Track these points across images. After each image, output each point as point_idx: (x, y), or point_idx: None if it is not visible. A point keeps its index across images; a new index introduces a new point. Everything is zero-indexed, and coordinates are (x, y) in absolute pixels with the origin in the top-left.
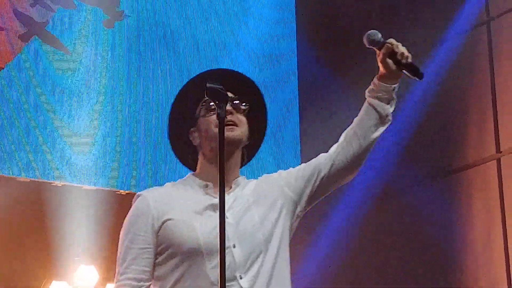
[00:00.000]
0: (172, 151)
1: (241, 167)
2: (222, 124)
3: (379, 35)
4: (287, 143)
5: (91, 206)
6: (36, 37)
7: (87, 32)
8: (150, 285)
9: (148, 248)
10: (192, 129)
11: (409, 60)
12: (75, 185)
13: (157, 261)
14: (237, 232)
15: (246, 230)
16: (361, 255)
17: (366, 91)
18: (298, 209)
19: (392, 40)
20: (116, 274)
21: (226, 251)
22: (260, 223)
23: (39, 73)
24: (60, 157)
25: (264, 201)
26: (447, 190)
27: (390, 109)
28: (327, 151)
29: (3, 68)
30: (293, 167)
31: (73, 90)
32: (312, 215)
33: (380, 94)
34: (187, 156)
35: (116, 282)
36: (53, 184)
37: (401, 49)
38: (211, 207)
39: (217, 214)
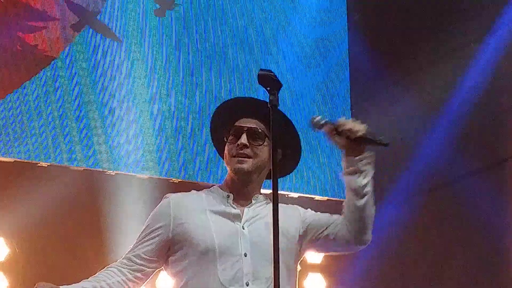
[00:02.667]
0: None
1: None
2: (274, 110)
3: (316, 119)
4: None
5: (143, 194)
6: (88, 27)
7: (139, 22)
8: (144, 269)
9: (154, 240)
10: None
11: (360, 134)
12: (128, 173)
13: (173, 258)
14: (250, 243)
15: (259, 243)
16: (411, 246)
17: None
18: (303, 245)
19: (340, 120)
20: None
21: (237, 258)
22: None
23: (91, 62)
24: (112, 146)
25: (283, 224)
26: (500, 180)
27: (362, 181)
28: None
29: (56, 58)
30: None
31: (124, 79)
32: None
33: (347, 169)
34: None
35: None
36: (106, 173)
37: (348, 125)
38: (230, 215)
39: (234, 224)
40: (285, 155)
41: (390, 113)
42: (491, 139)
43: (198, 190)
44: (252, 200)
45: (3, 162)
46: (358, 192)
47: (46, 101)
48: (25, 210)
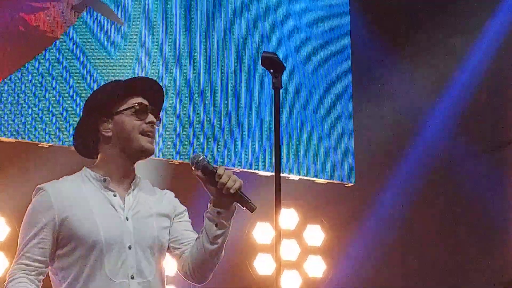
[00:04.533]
0: (76, 130)
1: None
2: (278, 94)
3: (200, 158)
4: (339, 122)
5: (144, 175)
6: (91, 8)
7: (141, 2)
8: (44, 271)
9: (44, 240)
10: (104, 120)
11: (232, 191)
12: None
13: (60, 253)
14: (133, 235)
15: (143, 235)
16: (412, 229)
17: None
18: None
19: (219, 171)
20: (14, 259)
21: (122, 251)
22: (157, 232)
23: (93, 44)
24: None
25: (164, 218)
26: (501, 162)
27: (217, 231)
28: (379, 130)
29: (58, 39)
30: (347, 140)
31: (127, 62)
32: (365, 189)
33: (209, 215)
34: (89, 142)
35: (12, 266)
36: None
37: (224, 180)
38: (112, 204)
39: (117, 213)
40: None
41: (391, 94)
42: (491, 121)
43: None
44: (132, 185)
45: (5, 142)
46: (211, 239)
47: (48, 81)
48: (26, 190)
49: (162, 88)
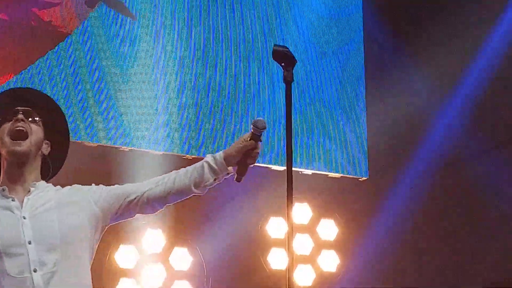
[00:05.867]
0: None
1: (49, 177)
2: (289, 87)
3: (264, 125)
4: (352, 116)
5: (157, 171)
6: (103, 3)
7: None
8: None
9: None
10: None
11: (251, 162)
12: (142, 150)
13: None
14: (33, 230)
15: (42, 229)
16: (425, 222)
17: (210, 157)
18: (101, 223)
19: (260, 146)
20: None
21: (21, 247)
22: (58, 224)
23: (105, 39)
24: (126, 122)
25: (67, 207)
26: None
27: (212, 183)
28: (392, 124)
29: (70, 34)
30: (361, 134)
31: (139, 56)
32: (379, 183)
33: (216, 168)
34: None
35: None
36: (120, 148)
37: (258, 151)
38: (8, 208)
39: (14, 214)
40: (56, 148)
41: (404, 89)
42: (504, 116)
43: None
44: (31, 188)
45: None
46: (201, 185)
47: (60, 76)
48: None
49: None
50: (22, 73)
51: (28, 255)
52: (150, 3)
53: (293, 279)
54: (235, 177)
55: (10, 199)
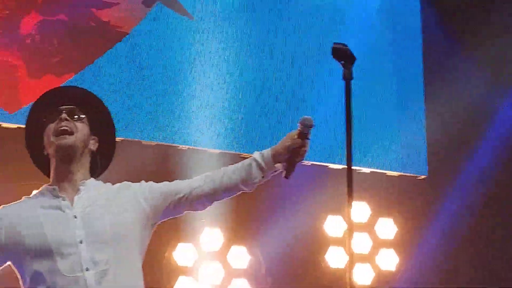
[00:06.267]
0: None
1: (98, 174)
2: (349, 85)
3: (311, 123)
4: (411, 114)
5: (214, 168)
6: (160, 3)
7: None
8: None
9: None
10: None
11: (298, 159)
12: (200, 148)
13: (13, 263)
14: (84, 229)
15: (93, 228)
16: (485, 220)
17: (258, 154)
18: (151, 221)
19: (308, 143)
20: None
21: (73, 246)
22: (109, 223)
23: (162, 39)
24: (184, 121)
25: (117, 205)
26: None
27: (261, 180)
28: (451, 121)
29: (127, 34)
30: (419, 132)
31: (197, 55)
32: (438, 181)
33: (263, 166)
34: (45, 166)
35: None
36: (178, 147)
37: (307, 148)
38: (60, 207)
39: (65, 213)
40: (103, 145)
41: (464, 84)
42: None
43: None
44: (80, 187)
45: None
46: (250, 182)
47: (118, 76)
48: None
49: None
50: (80, 73)
51: (80, 254)
52: (206, 3)
53: (352, 278)
54: (283, 174)
55: (61, 198)
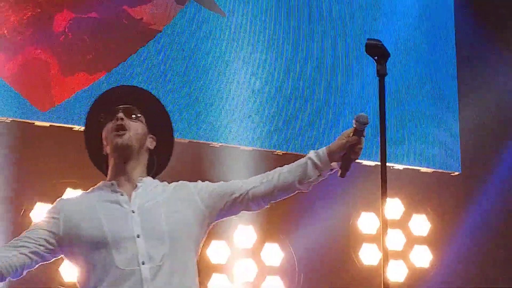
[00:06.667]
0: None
1: (155, 172)
2: (383, 81)
3: (366, 121)
4: (444, 111)
5: (248, 166)
6: (193, 0)
7: None
8: (21, 256)
9: (44, 232)
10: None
11: (354, 157)
12: (232, 145)
13: (69, 255)
14: (141, 225)
15: (150, 223)
16: None
17: (313, 153)
18: (207, 220)
19: (363, 141)
20: None
21: (130, 240)
22: (166, 220)
23: (195, 36)
24: (216, 118)
25: (174, 204)
26: None
27: (317, 178)
28: (485, 119)
29: (160, 31)
30: (453, 128)
31: (229, 52)
32: (471, 178)
33: (320, 165)
34: (102, 165)
35: None
36: (211, 144)
37: (362, 145)
38: (117, 202)
39: (123, 208)
40: (161, 143)
41: (497, 82)
42: None
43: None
44: (138, 184)
45: None
46: (305, 182)
47: (150, 74)
48: None
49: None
50: (114, 71)
51: (137, 248)
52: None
53: (386, 275)
54: (339, 173)
55: (119, 193)
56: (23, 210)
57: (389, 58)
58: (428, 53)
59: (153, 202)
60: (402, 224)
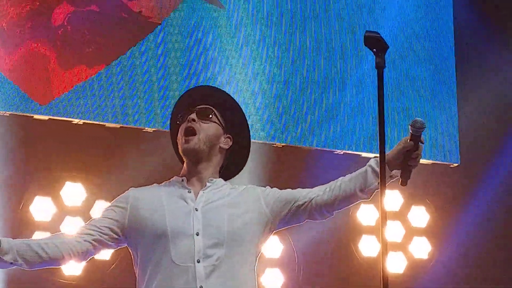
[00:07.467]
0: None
1: (231, 174)
2: (381, 73)
3: (423, 125)
4: (443, 102)
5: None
6: None
7: None
8: (85, 243)
9: (109, 221)
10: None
11: (414, 164)
12: None
13: (133, 240)
14: (202, 223)
15: (211, 223)
16: None
17: (374, 160)
18: (270, 226)
19: (421, 147)
20: None
21: (189, 237)
22: (228, 221)
23: (194, 28)
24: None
25: (239, 207)
26: None
27: (375, 187)
28: (484, 110)
29: (159, 24)
30: (452, 119)
31: (226, 45)
32: (470, 169)
33: (378, 170)
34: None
35: None
36: None
37: (420, 152)
38: (184, 197)
39: (188, 205)
40: (237, 143)
41: (497, 72)
42: None
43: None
44: (207, 183)
45: (110, 128)
46: (366, 190)
47: (150, 66)
48: (131, 175)
49: (201, 88)
50: (113, 64)
51: (194, 245)
52: None
53: (386, 266)
54: (400, 181)
55: (187, 190)
56: (22, 204)
57: (388, 50)
58: (427, 45)
59: (219, 202)
60: (401, 215)
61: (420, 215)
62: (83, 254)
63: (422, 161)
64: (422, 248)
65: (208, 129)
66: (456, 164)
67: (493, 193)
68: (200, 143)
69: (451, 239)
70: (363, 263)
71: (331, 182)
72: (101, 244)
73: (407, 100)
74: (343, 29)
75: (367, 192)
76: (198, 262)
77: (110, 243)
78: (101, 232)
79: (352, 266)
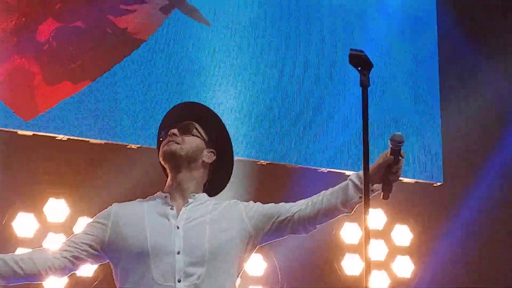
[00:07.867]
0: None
1: (215, 191)
2: (366, 92)
3: (402, 140)
4: (427, 116)
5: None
6: (177, 10)
7: (228, 4)
8: (63, 260)
9: (89, 237)
10: None
11: (394, 178)
12: None
13: (114, 256)
14: (184, 241)
15: (192, 241)
16: (504, 228)
17: (354, 175)
18: (252, 242)
19: (402, 161)
20: None
21: (170, 256)
22: (210, 238)
23: (180, 46)
24: None
25: (220, 223)
26: None
27: (357, 201)
28: (467, 129)
29: (145, 41)
30: (435, 138)
31: (212, 62)
32: (453, 188)
33: (360, 186)
34: None
35: None
36: None
37: (400, 166)
38: (166, 215)
39: (169, 222)
40: (221, 159)
41: (480, 90)
42: None
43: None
44: (189, 199)
45: (94, 144)
46: (348, 205)
47: (135, 83)
48: (115, 192)
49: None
50: (98, 80)
51: (174, 264)
52: (223, 9)
53: (368, 285)
54: (381, 195)
55: (170, 207)
56: (5, 219)
57: (371, 67)
58: (410, 62)
59: (200, 219)
60: (384, 234)
61: (403, 234)
62: (62, 270)
63: (405, 180)
64: (405, 267)
65: (191, 142)
66: (439, 183)
67: (476, 212)
68: (181, 151)
69: (434, 258)
70: (346, 282)
71: (314, 196)
72: (79, 260)
73: (389, 118)
74: (327, 48)
75: (348, 207)
76: (179, 281)
77: (89, 259)
78: (79, 249)
79: (335, 285)
